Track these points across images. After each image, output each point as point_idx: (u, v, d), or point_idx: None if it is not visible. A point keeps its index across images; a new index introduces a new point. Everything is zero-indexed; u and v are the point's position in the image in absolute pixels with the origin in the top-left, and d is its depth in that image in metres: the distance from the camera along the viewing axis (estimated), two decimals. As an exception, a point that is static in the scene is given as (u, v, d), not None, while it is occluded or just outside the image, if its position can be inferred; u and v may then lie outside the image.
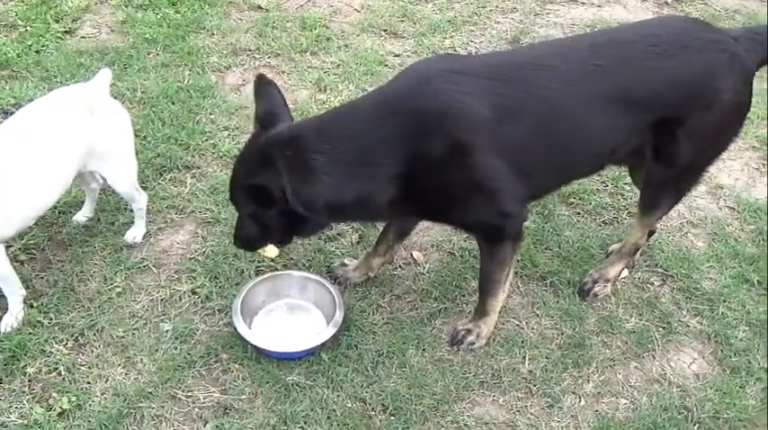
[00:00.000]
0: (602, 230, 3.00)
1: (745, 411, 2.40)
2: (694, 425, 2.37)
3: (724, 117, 2.33)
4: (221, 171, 3.12)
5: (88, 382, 2.36)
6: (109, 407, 2.29)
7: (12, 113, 2.59)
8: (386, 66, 3.78)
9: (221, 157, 3.19)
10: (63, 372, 2.37)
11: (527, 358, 2.51)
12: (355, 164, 2.11)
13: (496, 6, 4.34)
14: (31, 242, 2.76)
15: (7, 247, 2.49)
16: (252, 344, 2.44)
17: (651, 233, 2.76)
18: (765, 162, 3.38)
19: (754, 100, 2.40)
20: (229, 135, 3.31)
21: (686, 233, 3.02)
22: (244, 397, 2.35)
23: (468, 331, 2.51)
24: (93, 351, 2.45)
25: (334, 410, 2.32)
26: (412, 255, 2.85)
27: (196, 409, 2.31)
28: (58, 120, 2.43)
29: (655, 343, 2.60)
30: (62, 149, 2.42)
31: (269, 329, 2.56)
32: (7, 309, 2.48)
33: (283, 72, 3.71)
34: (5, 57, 3.61)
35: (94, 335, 2.49)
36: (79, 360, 2.42)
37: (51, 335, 2.47)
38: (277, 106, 2.24)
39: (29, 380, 2.35)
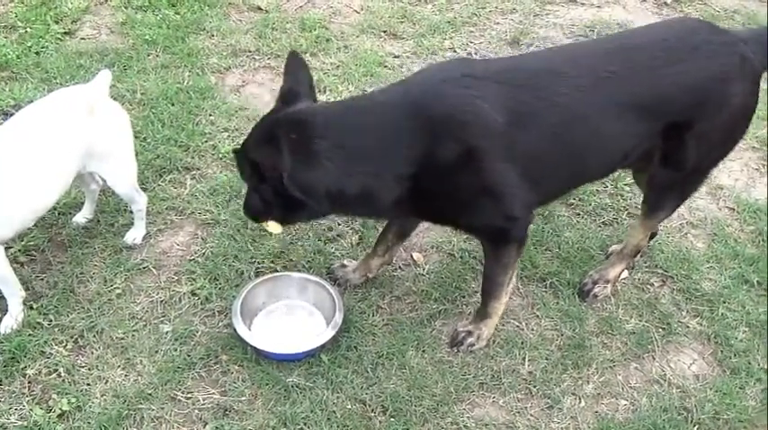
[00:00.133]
0: (601, 231, 3.00)
1: (745, 412, 2.40)
2: (694, 426, 2.37)
3: (732, 120, 2.33)
4: (221, 172, 3.12)
5: (88, 384, 2.36)
6: (109, 408, 2.29)
7: (11, 115, 2.59)
8: (385, 67, 3.78)
9: (221, 159, 3.19)
10: (63, 374, 2.38)
11: (527, 359, 2.51)
12: (363, 158, 2.11)
13: (496, 7, 4.34)
14: (31, 243, 2.76)
15: (7, 249, 2.49)
16: (252, 346, 2.44)
17: (653, 235, 2.76)
18: (765, 163, 3.38)
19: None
20: (229, 136, 3.31)
21: (686, 234, 3.02)
22: (243, 398, 2.35)
23: (469, 333, 2.51)
24: (92, 352, 2.45)
25: (333, 412, 2.32)
26: (412, 256, 2.85)
27: (196, 411, 2.31)
28: (57, 121, 2.43)
29: (654, 344, 2.60)
30: (61, 150, 2.42)
31: (269, 331, 2.56)
32: (7, 310, 2.48)
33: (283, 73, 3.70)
34: (5, 58, 3.61)
35: (94, 336, 2.49)
36: (79, 361, 2.42)
37: (51, 336, 2.47)
38: (301, 85, 2.22)
39: (29, 382, 2.35)
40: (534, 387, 2.43)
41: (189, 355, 2.45)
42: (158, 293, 2.65)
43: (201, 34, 3.94)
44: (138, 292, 2.65)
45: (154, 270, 2.73)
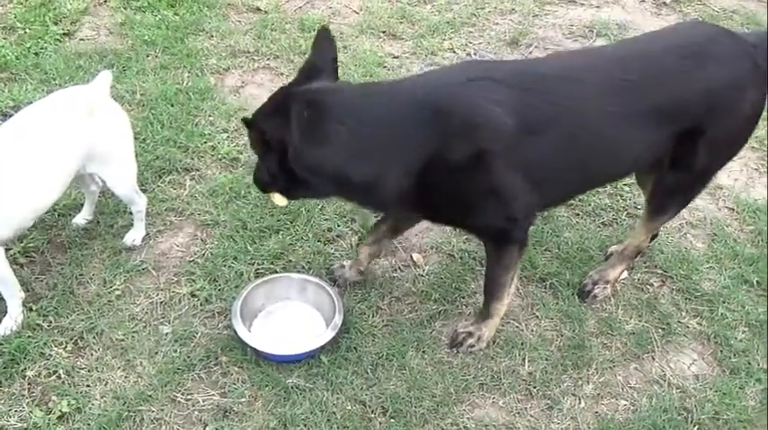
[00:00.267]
0: (601, 232, 3.00)
1: (744, 412, 2.40)
2: (694, 426, 2.37)
3: (742, 125, 2.34)
4: (220, 173, 3.12)
5: (88, 385, 2.36)
6: (108, 410, 2.29)
7: (11, 116, 2.58)
8: (384, 67, 3.78)
9: (220, 160, 3.19)
10: (62, 376, 2.37)
11: (527, 360, 2.51)
12: (374, 147, 2.11)
13: (495, 8, 4.34)
14: (31, 245, 2.76)
15: (6, 250, 2.48)
16: (251, 347, 2.44)
17: (654, 236, 2.76)
18: (764, 162, 3.38)
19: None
20: (228, 137, 3.31)
21: (685, 234, 3.02)
22: (243, 400, 2.35)
23: (469, 334, 2.51)
24: (92, 354, 2.45)
25: (333, 413, 2.32)
26: (411, 257, 2.85)
27: (196, 412, 2.31)
28: (56, 122, 2.43)
29: (654, 344, 2.60)
30: (61, 150, 2.42)
31: (268, 332, 2.55)
32: (6, 312, 2.48)
33: (282, 74, 3.71)
34: (4, 59, 3.61)
35: (94, 338, 2.49)
36: (79, 363, 2.42)
37: (51, 338, 2.47)
38: (324, 62, 2.21)
39: (28, 384, 2.35)
40: (534, 387, 2.43)
41: (189, 357, 2.45)
42: (158, 295, 2.65)
43: (201, 35, 3.94)
44: (138, 294, 2.65)
45: (153, 271, 2.73)
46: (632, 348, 2.58)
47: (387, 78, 3.62)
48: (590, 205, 3.09)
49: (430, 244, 2.90)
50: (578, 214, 3.07)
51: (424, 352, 2.52)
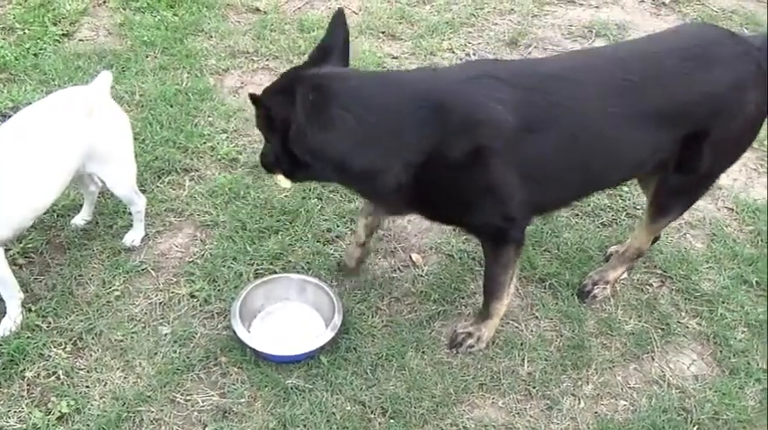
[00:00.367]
0: (600, 232, 3.00)
1: (744, 412, 2.40)
2: (694, 426, 2.37)
3: (746, 127, 2.33)
4: (220, 174, 3.12)
5: (87, 386, 2.36)
6: (108, 411, 2.29)
7: (10, 116, 2.58)
8: (384, 68, 3.78)
9: (220, 160, 3.19)
10: (62, 376, 2.37)
11: (526, 360, 2.51)
12: (377, 137, 2.11)
13: (494, 8, 4.34)
14: (30, 246, 2.76)
15: (6, 251, 2.48)
16: (251, 348, 2.44)
17: (655, 240, 2.75)
18: (763, 162, 3.38)
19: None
20: (228, 138, 3.31)
21: (685, 234, 3.02)
22: (243, 400, 2.34)
23: (469, 334, 2.51)
24: (91, 355, 2.45)
25: (333, 413, 2.31)
26: (411, 257, 2.85)
27: (195, 413, 2.31)
28: (55, 122, 2.44)
29: (654, 344, 2.60)
30: (60, 150, 2.42)
31: (268, 332, 2.55)
32: (5, 312, 2.48)
33: (281, 74, 3.71)
34: (3, 60, 3.61)
35: (93, 338, 2.49)
36: (78, 364, 2.42)
37: (50, 339, 2.47)
38: (335, 47, 2.22)
39: (27, 385, 2.35)
40: (533, 388, 2.43)
41: (188, 357, 2.45)
42: (157, 295, 2.65)
43: (200, 35, 3.94)
44: (137, 294, 2.65)
45: (153, 272, 2.73)
46: (632, 348, 2.58)
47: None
48: (589, 205, 3.09)
49: (429, 244, 2.90)
50: (578, 214, 3.06)
51: (423, 352, 2.52)
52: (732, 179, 3.27)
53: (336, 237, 2.90)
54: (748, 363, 2.55)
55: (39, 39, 3.78)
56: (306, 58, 2.31)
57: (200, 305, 2.62)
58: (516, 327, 2.62)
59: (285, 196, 3.04)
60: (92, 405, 2.30)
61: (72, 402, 2.30)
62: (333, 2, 4.27)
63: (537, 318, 2.66)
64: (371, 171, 2.14)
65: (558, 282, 2.76)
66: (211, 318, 2.58)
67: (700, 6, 4.47)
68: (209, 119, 3.40)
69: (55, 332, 2.49)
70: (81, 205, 2.88)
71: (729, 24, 4.22)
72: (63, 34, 3.87)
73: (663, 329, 2.65)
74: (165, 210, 2.95)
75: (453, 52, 3.95)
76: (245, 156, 3.21)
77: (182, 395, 2.35)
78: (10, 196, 2.32)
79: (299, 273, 2.72)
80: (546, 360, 2.52)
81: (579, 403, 2.41)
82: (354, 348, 2.50)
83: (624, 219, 3.05)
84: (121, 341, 2.49)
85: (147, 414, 2.29)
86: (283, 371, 2.43)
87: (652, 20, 4.32)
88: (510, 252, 2.35)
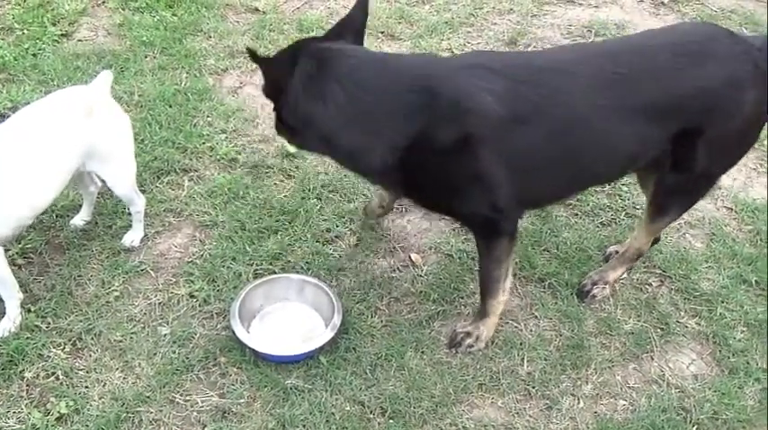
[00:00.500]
0: (600, 232, 3.00)
1: (743, 412, 2.40)
2: (693, 426, 2.37)
3: (744, 127, 2.31)
4: (219, 174, 3.12)
5: (86, 387, 2.36)
6: (107, 411, 2.28)
7: (9, 117, 2.58)
8: (383, 67, 3.77)
9: (219, 160, 3.19)
10: (61, 377, 2.37)
11: (525, 360, 2.51)
12: (365, 116, 2.15)
13: (493, 8, 4.34)
14: (29, 246, 2.76)
15: (5, 251, 2.48)
16: (250, 348, 2.44)
17: (655, 240, 2.75)
18: (763, 162, 3.38)
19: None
20: (227, 138, 3.30)
21: (684, 234, 3.02)
22: (242, 400, 2.34)
23: (468, 334, 2.51)
24: (90, 355, 2.45)
25: (332, 414, 2.31)
26: (410, 257, 2.85)
27: (194, 413, 2.31)
28: (55, 121, 2.44)
29: (653, 344, 2.60)
30: (59, 149, 2.42)
31: (267, 333, 2.55)
32: (4, 313, 2.48)
33: (280, 74, 3.70)
34: (2, 60, 3.60)
35: (92, 339, 2.49)
36: (77, 364, 2.42)
37: (49, 339, 2.47)
38: (350, 27, 2.27)
39: (27, 385, 2.35)
40: (533, 387, 2.43)
41: (187, 358, 2.45)
42: (156, 295, 2.65)
43: (199, 36, 3.94)
44: (136, 295, 2.65)
45: (152, 272, 2.73)
46: (631, 348, 2.58)
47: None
48: (588, 205, 3.09)
49: (429, 244, 2.90)
50: (577, 214, 3.07)
51: (422, 352, 2.52)
52: (731, 179, 3.27)
53: (336, 237, 2.90)
54: (748, 363, 2.55)
55: (37, 39, 3.78)
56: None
57: (199, 305, 2.62)
58: (515, 327, 2.62)
59: (284, 196, 3.04)
60: (91, 405, 2.30)
61: (71, 403, 2.30)
62: (332, 2, 4.27)
63: (536, 317, 2.66)
64: (356, 148, 2.19)
65: (558, 282, 2.76)
66: (210, 319, 2.58)
67: (699, 6, 4.47)
68: (208, 119, 3.40)
69: (54, 332, 2.49)
70: (80, 206, 2.88)
71: (728, 24, 4.22)
72: (62, 34, 3.87)
73: (662, 329, 2.65)
74: (164, 211, 2.95)
75: (452, 52, 3.94)
76: (244, 157, 3.21)
77: (181, 395, 2.35)
78: (9, 195, 2.32)
79: (298, 273, 2.72)
80: (545, 360, 2.52)
81: (578, 403, 2.41)
82: (354, 348, 2.50)
83: (624, 219, 3.05)
84: (121, 341, 2.49)
85: (146, 414, 2.29)
86: (283, 371, 2.42)
87: (651, 19, 4.32)
88: (502, 245, 2.35)
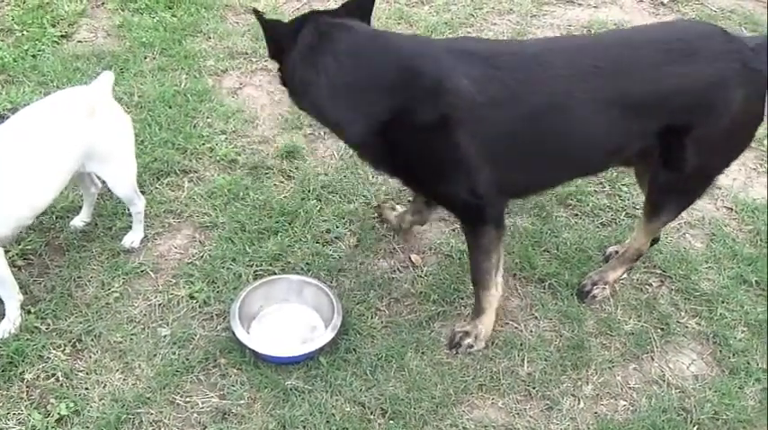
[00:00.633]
0: (600, 232, 2.99)
1: (744, 412, 2.40)
2: (693, 426, 2.37)
3: (734, 127, 2.30)
4: (219, 175, 3.12)
5: (86, 388, 2.35)
6: (107, 412, 2.28)
7: (8, 118, 2.58)
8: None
9: (218, 161, 3.19)
10: (61, 378, 2.37)
11: (526, 361, 2.51)
12: (351, 87, 2.23)
13: (493, 8, 4.34)
14: (29, 247, 2.75)
15: (5, 253, 2.48)
16: (250, 349, 2.44)
17: (655, 240, 2.75)
18: (762, 162, 3.38)
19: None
20: (226, 139, 3.30)
21: (684, 234, 3.02)
22: (242, 402, 2.34)
23: (466, 333, 2.51)
24: (90, 356, 2.45)
25: (333, 415, 2.31)
26: (410, 258, 2.85)
27: (195, 415, 2.31)
28: (55, 121, 2.44)
29: (653, 344, 2.60)
30: (59, 149, 2.42)
31: (267, 334, 2.55)
32: (4, 314, 2.48)
33: (280, 75, 3.70)
34: (2, 61, 3.60)
35: (92, 340, 2.49)
36: (77, 366, 2.42)
37: (49, 340, 2.46)
38: (362, 6, 2.34)
39: (27, 387, 2.35)
40: (533, 388, 2.43)
41: (187, 359, 2.44)
42: (156, 297, 2.65)
43: (198, 37, 3.94)
44: (136, 296, 2.65)
45: (152, 273, 2.73)
46: (631, 348, 2.58)
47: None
48: (588, 205, 3.09)
49: (428, 245, 2.90)
50: (577, 214, 3.07)
51: (423, 353, 2.52)
52: (731, 178, 3.27)
53: (336, 238, 2.90)
54: (748, 363, 2.55)
55: (37, 40, 3.78)
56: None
57: (199, 306, 2.62)
58: (515, 328, 2.62)
59: (284, 197, 3.04)
60: (91, 407, 2.30)
61: (71, 404, 2.29)
62: (331, 2, 4.27)
63: (536, 318, 2.66)
64: (341, 118, 2.29)
65: (558, 283, 2.76)
66: (210, 320, 2.58)
67: (698, 6, 4.47)
68: (208, 120, 3.40)
69: (54, 334, 2.49)
70: (80, 207, 2.88)
71: (728, 24, 4.22)
72: (61, 36, 3.87)
73: (662, 329, 2.65)
74: (163, 212, 2.95)
75: (452, 52, 3.94)
76: (243, 158, 3.21)
77: (181, 396, 2.35)
78: (9, 195, 2.32)
79: (298, 274, 2.72)
80: (545, 360, 2.51)
81: (579, 403, 2.41)
82: (354, 349, 2.50)
83: (623, 219, 3.05)
84: (121, 343, 2.49)
85: (146, 415, 2.29)
86: (283, 372, 2.42)
87: (650, 19, 4.32)
88: (489, 234, 2.37)
